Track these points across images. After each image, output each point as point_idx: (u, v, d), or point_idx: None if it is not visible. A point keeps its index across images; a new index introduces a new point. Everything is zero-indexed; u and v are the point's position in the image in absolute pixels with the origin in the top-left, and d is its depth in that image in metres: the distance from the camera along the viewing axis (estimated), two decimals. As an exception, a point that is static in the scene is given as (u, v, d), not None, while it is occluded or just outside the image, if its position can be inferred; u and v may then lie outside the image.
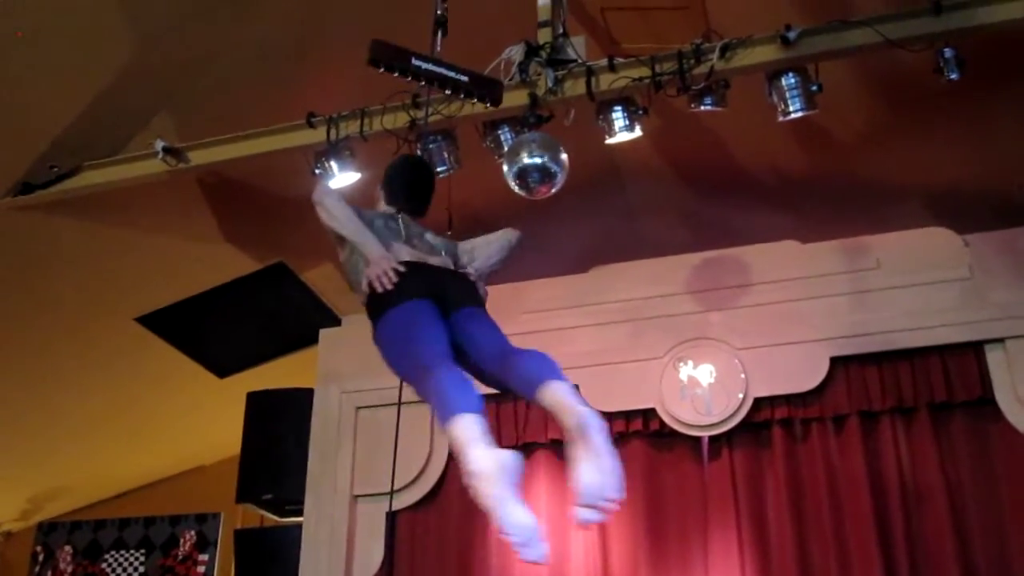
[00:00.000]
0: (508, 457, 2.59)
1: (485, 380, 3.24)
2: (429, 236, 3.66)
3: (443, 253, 3.61)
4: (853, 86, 4.81)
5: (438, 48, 3.70)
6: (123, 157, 4.96)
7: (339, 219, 3.44)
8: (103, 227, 5.49)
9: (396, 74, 3.38)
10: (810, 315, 5.37)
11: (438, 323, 3.21)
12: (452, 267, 3.57)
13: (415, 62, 3.38)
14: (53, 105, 4.70)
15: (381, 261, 3.31)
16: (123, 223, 5.53)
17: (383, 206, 3.76)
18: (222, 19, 4.54)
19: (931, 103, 4.72)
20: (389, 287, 3.25)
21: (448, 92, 3.57)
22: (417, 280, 3.31)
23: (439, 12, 3.79)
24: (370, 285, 3.30)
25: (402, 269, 3.30)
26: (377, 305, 3.29)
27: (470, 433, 2.65)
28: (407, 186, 3.80)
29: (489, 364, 3.18)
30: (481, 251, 3.73)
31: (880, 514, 5.04)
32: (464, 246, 3.75)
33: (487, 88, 3.67)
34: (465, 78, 3.54)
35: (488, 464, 2.56)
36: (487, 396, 5.43)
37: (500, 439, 5.64)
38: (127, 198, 5.19)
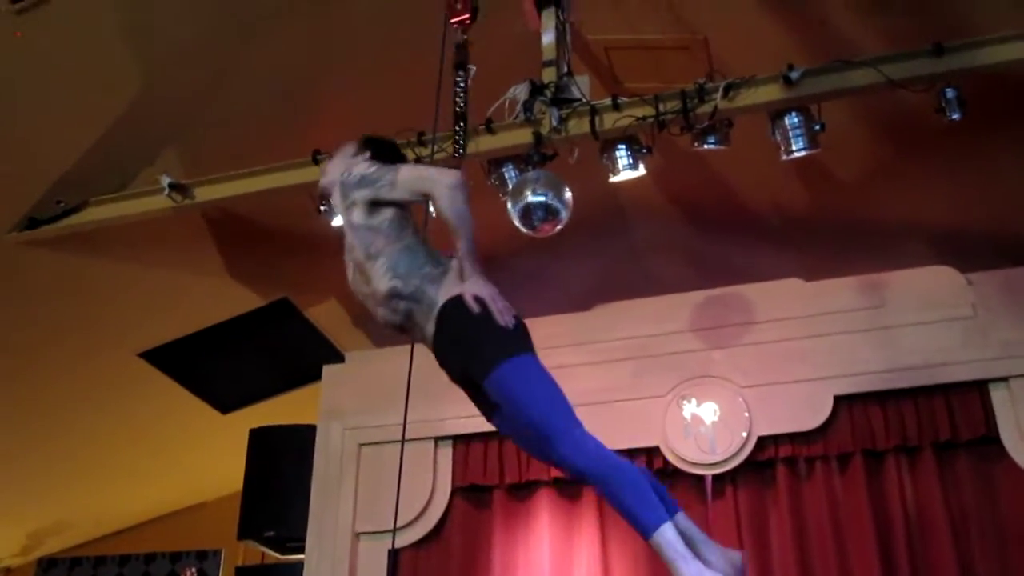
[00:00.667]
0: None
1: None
2: None
3: None
4: (856, 126, 4.85)
5: (470, 81, 3.75)
6: (129, 193, 5.00)
7: (468, 218, 2.96)
8: (108, 262, 5.51)
9: None
10: (814, 353, 5.36)
11: None
12: None
13: None
14: (60, 141, 4.73)
15: (492, 287, 2.96)
16: (128, 258, 5.54)
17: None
18: (228, 57, 4.58)
19: (933, 143, 4.75)
20: (510, 325, 2.88)
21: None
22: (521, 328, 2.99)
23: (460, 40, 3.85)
24: (483, 306, 2.89)
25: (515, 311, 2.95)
26: (498, 338, 2.87)
27: (683, 546, 2.63)
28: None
29: None
30: None
31: (885, 553, 5.00)
32: None
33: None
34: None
35: None
36: (489, 434, 5.46)
37: (503, 476, 5.63)
38: (132, 234, 5.21)
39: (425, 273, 3.01)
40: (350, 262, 3.15)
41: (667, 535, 2.61)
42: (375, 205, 3.06)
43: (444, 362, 3.03)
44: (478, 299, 2.89)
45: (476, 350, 2.89)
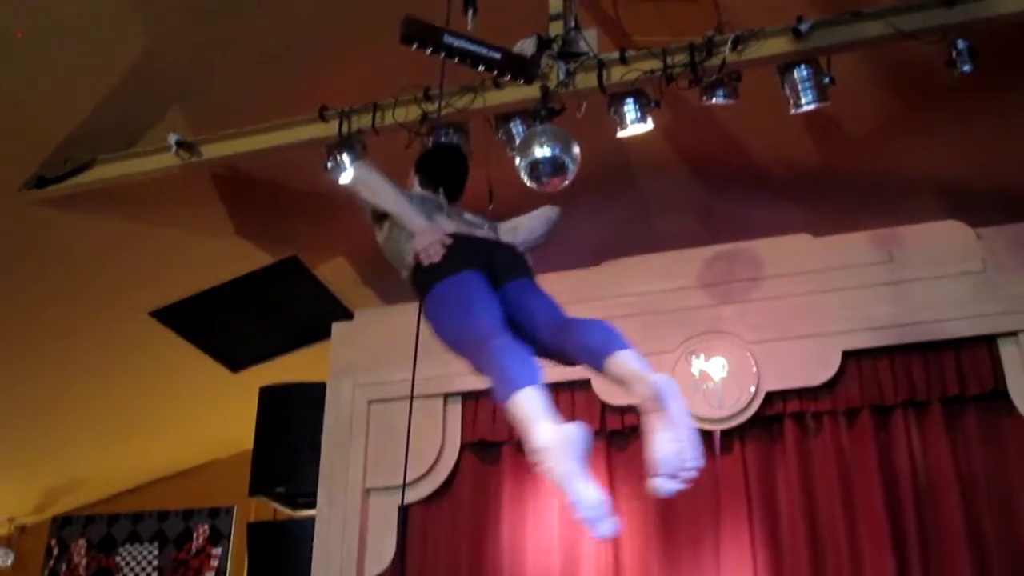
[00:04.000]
0: (575, 430, 2.55)
1: (541, 352, 3.05)
2: (468, 215, 3.61)
3: (485, 228, 3.58)
4: (866, 79, 4.81)
5: (470, 27, 3.71)
6: (136, 151, 4.99)
7: (383, 194, 3.37)
8: (116, 221, 5.52)
9: (428, 51, 3.32)
10: (822, 309, 5.35)
11: (490, 295, 3.16)
12: (498, 239, 3.53)
13: (447, 39, 3.35)
14: (67, 99, 4.72)
15: (427, 233, 3.26)
16: (136, 217, 5.55)
17: (418, 190, 3.68)
18: (234, 13, 4.56)
19: (944, 96, 4.71)
20: (437, 259, 3.19)
21: (481, 69, 3.56)
22: (465, 251, 3.26)
23: None
24: (416, 258, 3.24)
25: (449, 241, 3.25)
26: (425, 278, 3.23)
27: (533, 407, 2.62)
28: (443, 170, 3.74)
29: (546, 335, 3.08)
30: (523, 227, 3.70)
31: (892, 508, 5.02)
32: (505, 225, 3.69)
33: (518, 66, 3.66)
34: (497, 55, 3.52)
35: (555, 439, 2.52)
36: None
37: (512, 432, 5.63)
38: (140, 192, 5.21)
39: None
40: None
41: (515, 405, 2.67)
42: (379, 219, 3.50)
43: None
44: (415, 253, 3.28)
45: None
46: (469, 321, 3.02)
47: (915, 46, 3.95)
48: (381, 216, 3.44)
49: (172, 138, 4.77)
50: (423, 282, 3.24)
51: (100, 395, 7.09)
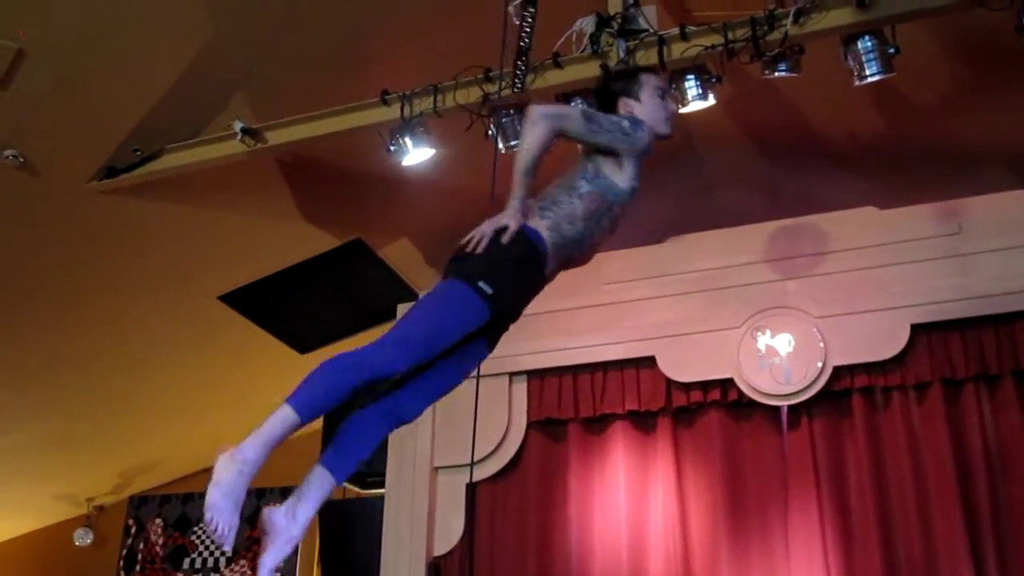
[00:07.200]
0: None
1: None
2: None
3: None
4: (932, 48, 4.72)
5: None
6: (203, 139, 5.07)
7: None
8: (184, 208, 5.61)
9: None
10: (890, 282, 5.29)
11: None
12: None
13: None
14: (134, 91, 4.81)
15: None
16: (203, 204, 5.64)
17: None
18: (294, 0, 4.60)
19: (1013, 63, 4.61)
20: None
21: None
22: None
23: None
24: None
25: None
26: None
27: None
28: None
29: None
30: None
31: (964, 483, 4.97)
32: None
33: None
34: None
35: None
36: (563, 368, 5.52)
37: (578, 410, 5.68)
38: (208, 179, 5.29)
39: None
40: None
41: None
42: None
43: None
44: None
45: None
46: None
47: (982, 13, 3.86)
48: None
49: (237, 125, 4.83)
50: None
51: (172, 378, 7.23)
